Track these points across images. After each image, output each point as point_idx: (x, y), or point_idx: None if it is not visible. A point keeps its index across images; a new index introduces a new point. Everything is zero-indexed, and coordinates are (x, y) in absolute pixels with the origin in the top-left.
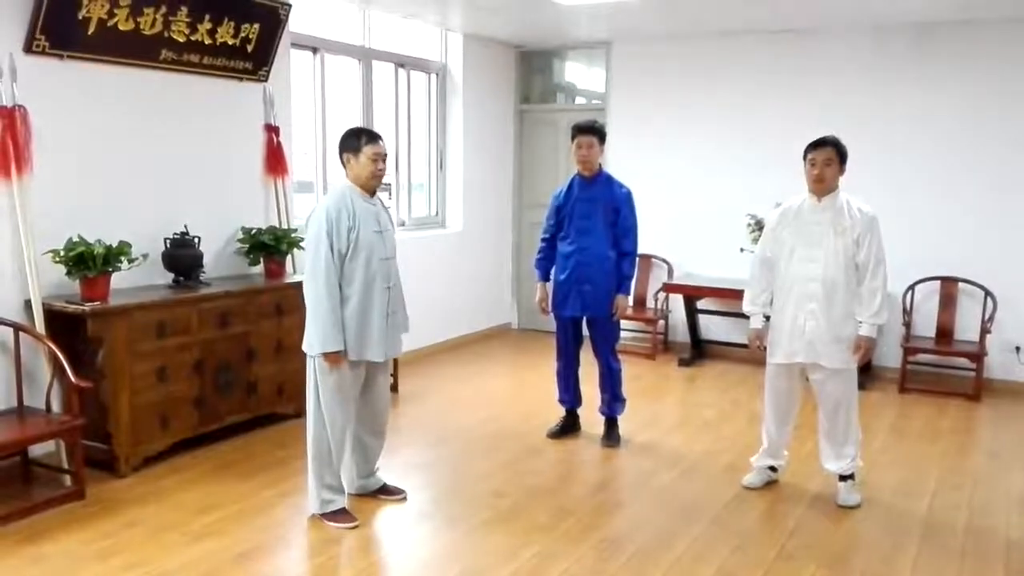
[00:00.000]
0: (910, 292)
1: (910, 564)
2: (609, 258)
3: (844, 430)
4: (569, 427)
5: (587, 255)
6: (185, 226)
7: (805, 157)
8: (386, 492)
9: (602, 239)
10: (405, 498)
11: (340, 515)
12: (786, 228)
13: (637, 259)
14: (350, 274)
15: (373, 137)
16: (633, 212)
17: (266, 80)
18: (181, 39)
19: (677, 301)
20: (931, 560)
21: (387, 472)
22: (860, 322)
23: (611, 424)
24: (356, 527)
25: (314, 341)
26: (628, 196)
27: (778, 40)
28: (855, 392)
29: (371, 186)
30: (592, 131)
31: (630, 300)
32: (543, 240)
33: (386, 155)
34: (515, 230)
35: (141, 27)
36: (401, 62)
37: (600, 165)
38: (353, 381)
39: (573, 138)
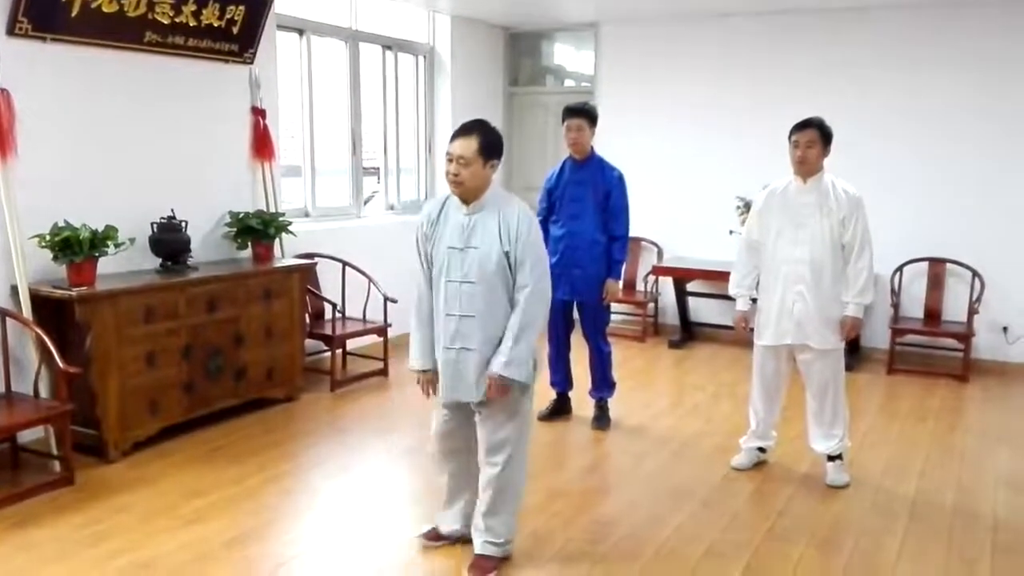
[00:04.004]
0: (898, 273)
1: (898, 542)
2: (599, 242)
3: (832, 411)
4: (560, 410)
5: (577, 239)
6: (172, 210)
7: (789, 138)
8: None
9: (592, 223)
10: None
11: (428, 532)
12: (772, 210)
13: (628, 243)
14: (434, 293)
15: (457, 132)
16: (624, 195)
17: (252, 62)
18: (166, 21)
19: (667, 284)
20: (919, 538)
21: (379, 455)
22: (846, 302)
23: (601, 407)
24: (423, 540)
25: None
26: (619, 179)
27: (766, 21)
28: (842, 372)
29: (453, 192)
30: (582, 113)
31: (620, 284)
32: None
33: (460, 156)
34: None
35: (125, 9)
36: (388, 44)
37: (592, 148)
38: (443, 412)
39: (564, 121)
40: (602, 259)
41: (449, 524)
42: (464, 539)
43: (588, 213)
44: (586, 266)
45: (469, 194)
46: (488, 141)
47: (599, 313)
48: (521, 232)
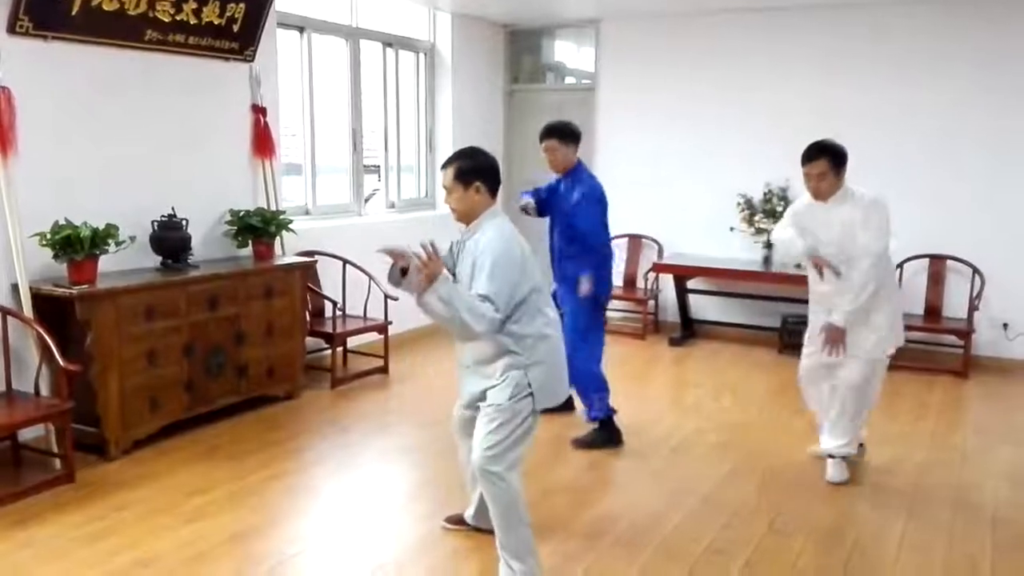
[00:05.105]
0: (899, 270)
1: (898, 538)
2: (580, 255)
3: (854, 412)
4: (560, 406)
5: (563, 253)
6: (172, 208)
7: (802, 166)
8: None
9: (570, 235)
10: None
11: (452, 516)
12: (807, 231)
13: (608, 253)
14: None
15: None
16: (585, 216)
17: (252, 60)
18: (166, 19)
19: (667, 281)
20: (919, 535)
21: (379, 453)
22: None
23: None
24: (445, 523)
25: None
26: (582, 198)
27: (767, 18)
28: (877, 384)
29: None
30: (553, 133)
31: (587, 285)
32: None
33: (444, 184)
34: (504, 211)
35: (126, 7)
36: (389, 41)
37: (578, 160)
38: (459, 413)
39: (541, 141)
40: (585, 268)
41: (468, 511)
42: (479, 529)
43: (567, 227)
44: (574, 273)
45: (463, 218)
46: (464, 166)
47: (580, 314)
48: (480, 264)
